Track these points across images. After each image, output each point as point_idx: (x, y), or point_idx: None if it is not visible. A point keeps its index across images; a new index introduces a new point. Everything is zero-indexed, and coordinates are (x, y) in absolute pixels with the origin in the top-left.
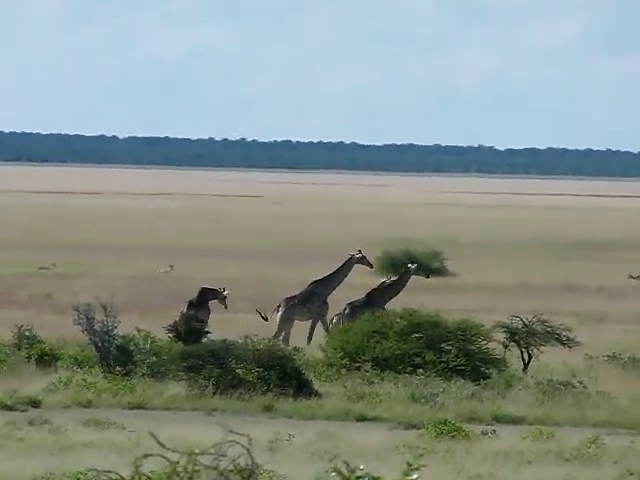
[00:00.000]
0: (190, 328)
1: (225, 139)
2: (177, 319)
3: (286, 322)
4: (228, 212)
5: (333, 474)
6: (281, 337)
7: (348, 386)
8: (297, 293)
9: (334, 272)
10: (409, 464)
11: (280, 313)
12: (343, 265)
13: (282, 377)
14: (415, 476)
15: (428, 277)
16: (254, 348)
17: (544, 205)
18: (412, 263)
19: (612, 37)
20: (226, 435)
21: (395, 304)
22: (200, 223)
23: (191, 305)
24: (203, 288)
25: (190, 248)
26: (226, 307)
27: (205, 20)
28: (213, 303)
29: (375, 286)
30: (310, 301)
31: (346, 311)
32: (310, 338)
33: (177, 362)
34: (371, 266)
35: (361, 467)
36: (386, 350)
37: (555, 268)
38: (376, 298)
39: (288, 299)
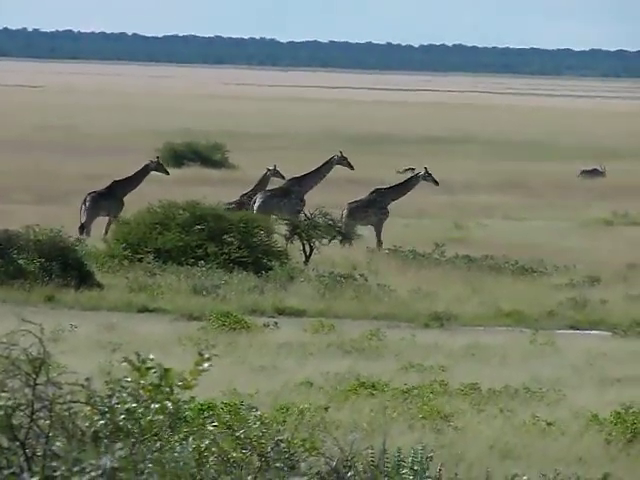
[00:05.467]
0: None
1: (6, 28)
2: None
3: (263, 213)
4: (8, 103)
5: (124, 364)
6: None
7: (130, 277)
8: (275, 187)
9: (313, 171)
10: (201, 354)
11: (257, 204)
12: (323, 164)
13: (64, 268)
14: (207, 365)
15: (437, 184)
16: (36, 239)
17: (326, 98)
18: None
19: None
20: (18, 324)
21: (178, 196)
22: None
23: (101, 197)
24: (115, 181)
25: None
26: (168, 173)
27: None
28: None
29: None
30: (287, 197)
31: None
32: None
33: None
34: (352, 167)
35: (151, 357)
36: (168, 242)
37: None
38: (378, 197)
39: (266, 191)
